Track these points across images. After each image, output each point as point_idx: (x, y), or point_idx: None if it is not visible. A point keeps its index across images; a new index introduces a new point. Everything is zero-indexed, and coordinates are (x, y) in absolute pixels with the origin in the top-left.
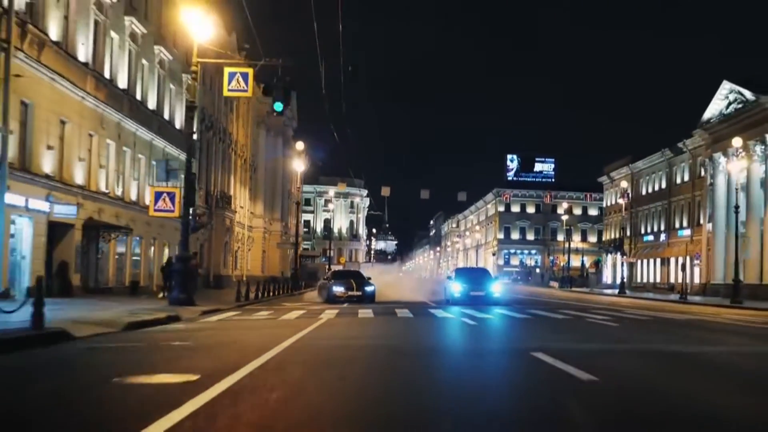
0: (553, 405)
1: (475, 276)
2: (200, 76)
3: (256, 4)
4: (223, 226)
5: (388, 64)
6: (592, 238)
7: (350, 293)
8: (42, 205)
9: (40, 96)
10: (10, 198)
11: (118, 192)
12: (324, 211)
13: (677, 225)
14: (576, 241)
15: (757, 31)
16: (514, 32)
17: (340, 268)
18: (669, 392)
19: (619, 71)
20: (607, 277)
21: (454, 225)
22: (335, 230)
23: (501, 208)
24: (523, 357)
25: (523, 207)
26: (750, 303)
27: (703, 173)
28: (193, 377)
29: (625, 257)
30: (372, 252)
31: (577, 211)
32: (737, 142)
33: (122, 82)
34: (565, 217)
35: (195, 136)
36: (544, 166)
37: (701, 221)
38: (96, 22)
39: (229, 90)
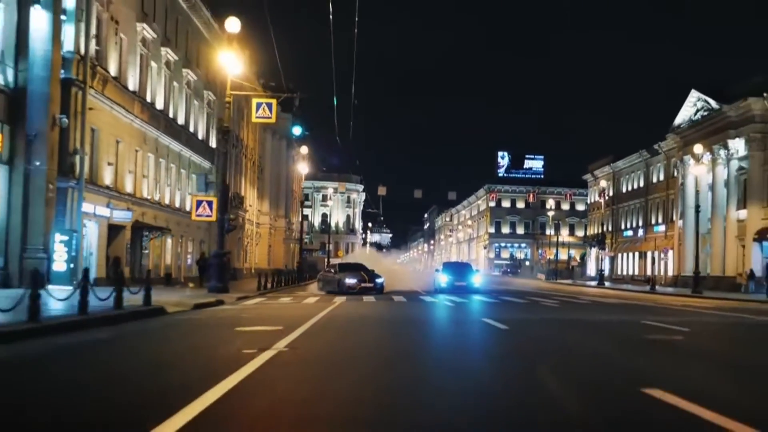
0: (480, 338)
1: (459, 269)
2: (220, 93)
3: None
4: (237, 224)
5: (389, 64)
6: (580, 233)
7: (363, 285)
8: (105, 211)
9: (103, 122)
10: (84, 207)
11: (156, 197)
12: (322, 206)
13: (653, 221)
14: (564, 235)
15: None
16: (512, 35)
17: (339, 260)
18: (548, 336)
19: (619, 71)
20: (591, 269)
21: (448, 219)
22: (332, 224)
23: (492, 204)
24: (476, 322)
25: (513, 202)
26: (710, 293)
27: (675, 174)
28: (280, 327)
29: (604, 251)
30: (368, 245)
31: (565, 207)
32: (698, 149)
33: (160, 104)
34: (551, 213)
35: (214, 146)
36: (534, 163)
37: (674, 218)
38: (141, 56)
39: (256, 117)
